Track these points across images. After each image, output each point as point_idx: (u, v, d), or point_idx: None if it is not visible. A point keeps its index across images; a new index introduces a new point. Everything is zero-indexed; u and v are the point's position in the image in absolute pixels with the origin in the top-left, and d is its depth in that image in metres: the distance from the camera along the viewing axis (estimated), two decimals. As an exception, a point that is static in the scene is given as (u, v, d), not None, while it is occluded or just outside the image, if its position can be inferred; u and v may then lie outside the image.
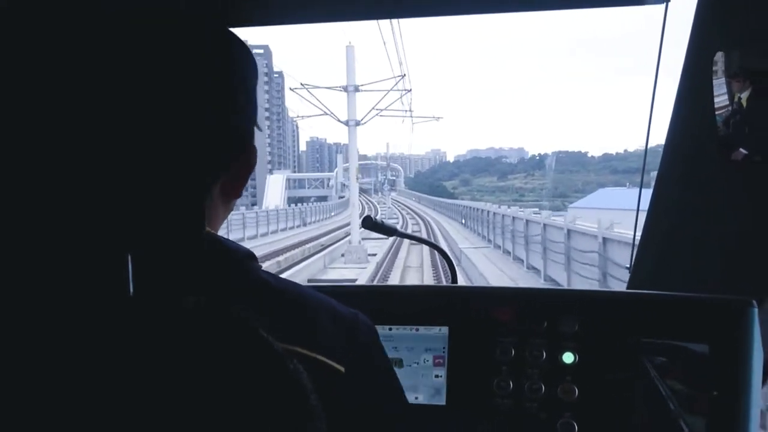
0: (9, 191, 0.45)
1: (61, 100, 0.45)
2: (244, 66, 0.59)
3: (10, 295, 0.43)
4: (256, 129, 0.62)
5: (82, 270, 0.44)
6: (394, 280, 13.91)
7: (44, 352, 0.41)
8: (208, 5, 0.84)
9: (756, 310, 0.92)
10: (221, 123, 0.54)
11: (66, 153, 0.45)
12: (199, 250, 0.51)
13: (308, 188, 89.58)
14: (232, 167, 0.59)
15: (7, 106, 0.45)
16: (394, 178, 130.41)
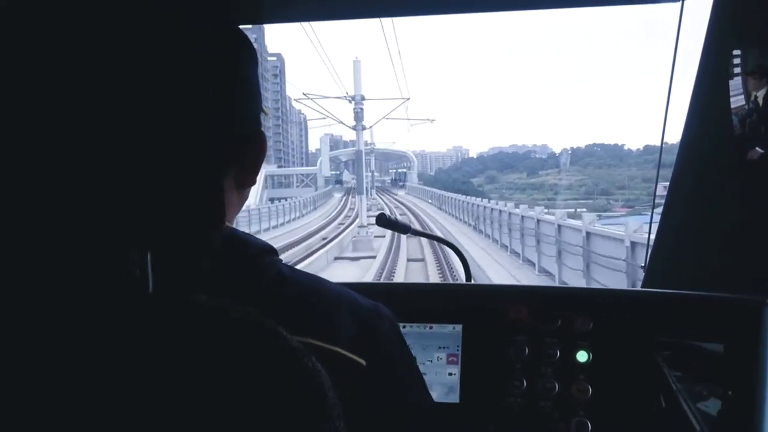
0: (23, 192, 0.49)
1: (62, 101, 0.48)
2: (243, 55, 0.64)
3: (25, 292, 0.47)
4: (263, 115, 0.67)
5: (97, 269, 0.47)
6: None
7: (55, 350, 0.44)
8: (208, 3, 0.95)
9: None
10: (227, 114, 0.59)
11: (72, 153, 0.48)
12: (214, 245, 0.55)
13: (297, 186, 77.20)
14: (242, 157, 0.64)
15: (19, 106, 0.49)
16: (404, 170, 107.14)
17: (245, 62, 0.65)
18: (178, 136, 0.52)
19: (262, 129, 0.68)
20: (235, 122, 0.62)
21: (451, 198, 34.86)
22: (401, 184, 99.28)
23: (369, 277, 13.91)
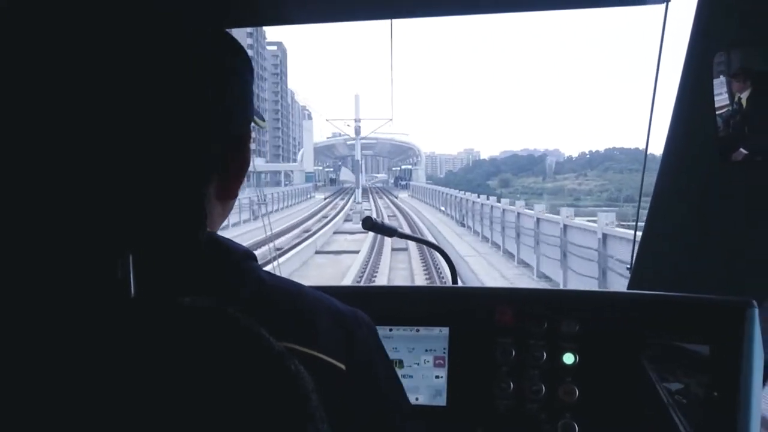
0: (7, 192, 0.50)
1: (57, 103, 0.51)
2: (236, 63, 0.67)
3: (8, 294, 0.49)
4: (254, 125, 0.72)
5: (80, 271, 0.49)
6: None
7: (40, 353, 0.46)
8: (208, 5, 1.01)
9: (756, 310, 1.08)
10: (214, 124, 0.61)
11: (62, 156, 0.50)
12: (196, 250, 0.57)
13: (286, 184, 65.86)
14: (227, 167, 0.67)
15: (6, 107, 0.51)
16: (410, 167, 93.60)
17: (235, 69, 0.67)
18: (161, 137, 0.55)
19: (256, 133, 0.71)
20: (218, 127, 0.64)
21: (485, 207, 19.63)
22: (403, 183, 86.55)
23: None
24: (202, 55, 0.60)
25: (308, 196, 52.10)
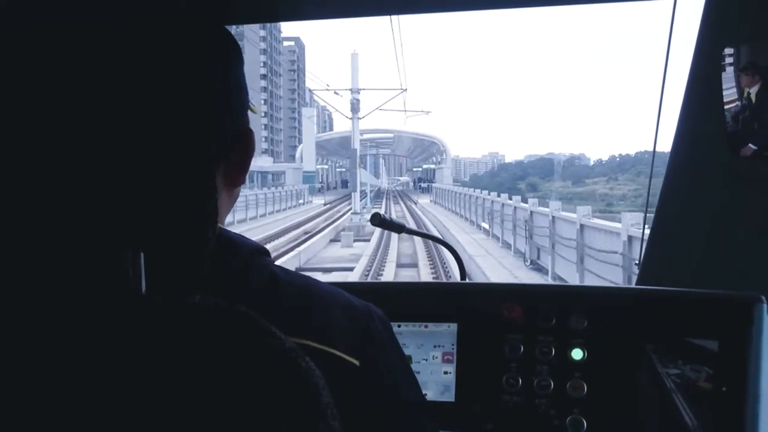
0: (17, 192, 0.52)
1: (54, 104, 0.53)
2: (232, 56, 0.69)
3: (17, 292, 0.50)
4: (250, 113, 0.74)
5: (91, 270, 0.51)
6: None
7: (49, 351, 0.47)
8: (209, 3, 1.07)
9: (765, 305, 1.10)
10: (214, 115, 0.63)
11: (69, 156, 0.52)
12: (207, 246, 0.58)
13: (294, 184, 56.33)
14: (230, 156, 0.69)
15: (11, 108, 0.53)
16: (433, 165, 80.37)
17: (232, 61, 0.69)
18: (169, 135, 0.57)
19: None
20: (222, 120, 0.66)
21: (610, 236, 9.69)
22: (424, 185, 75.29)
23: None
24: (203, 51, 0.63)
25: (299, 201, 43.49)
